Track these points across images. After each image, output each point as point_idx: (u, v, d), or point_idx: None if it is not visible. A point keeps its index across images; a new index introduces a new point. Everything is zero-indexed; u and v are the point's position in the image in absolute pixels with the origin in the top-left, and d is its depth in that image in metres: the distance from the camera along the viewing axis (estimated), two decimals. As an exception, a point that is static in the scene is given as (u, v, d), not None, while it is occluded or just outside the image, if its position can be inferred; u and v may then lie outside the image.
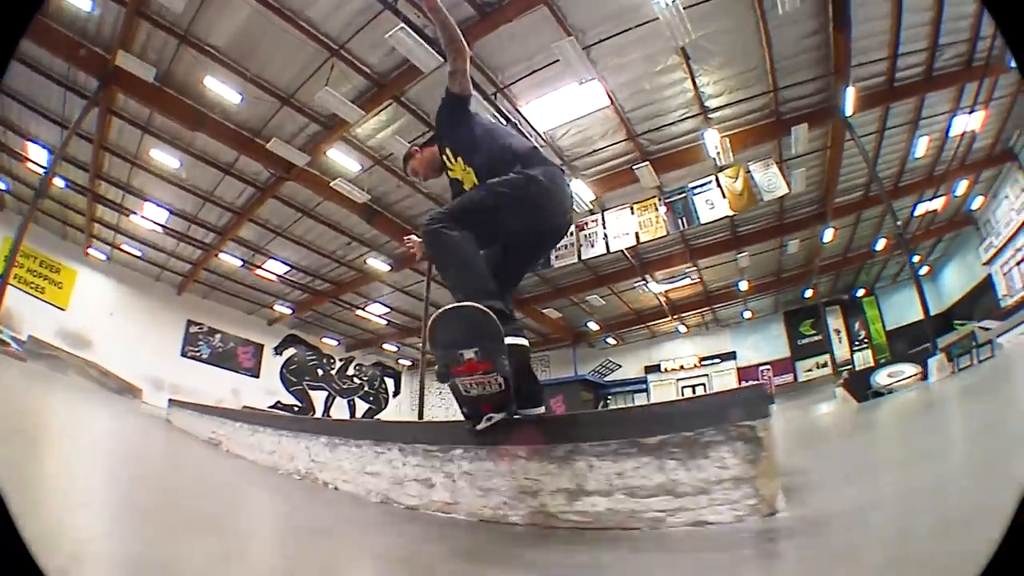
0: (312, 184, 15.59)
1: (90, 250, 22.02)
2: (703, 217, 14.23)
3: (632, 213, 15.16)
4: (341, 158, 14.65)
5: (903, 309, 23.48)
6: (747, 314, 27.86)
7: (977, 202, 19.68)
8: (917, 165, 16.62)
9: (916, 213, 18.82)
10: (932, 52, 12.01)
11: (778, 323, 27.99)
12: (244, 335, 27.43)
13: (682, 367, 29.04)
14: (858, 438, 5.52)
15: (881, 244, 21.31)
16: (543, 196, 2.66)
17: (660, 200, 14.79)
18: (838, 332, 26.11)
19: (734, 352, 28.45)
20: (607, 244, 15.40)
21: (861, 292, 26.22)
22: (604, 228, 15.60)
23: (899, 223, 14.60)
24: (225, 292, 25.21)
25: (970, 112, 13.95)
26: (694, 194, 14.24)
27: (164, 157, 15.41)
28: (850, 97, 11.92)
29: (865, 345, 25.25)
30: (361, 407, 31.06)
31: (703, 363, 28.66)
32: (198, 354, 25.67)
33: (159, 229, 19.44)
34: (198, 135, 13.97)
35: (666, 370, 29.23)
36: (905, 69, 12.45)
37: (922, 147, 15.68)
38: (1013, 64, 8.71)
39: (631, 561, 1.81)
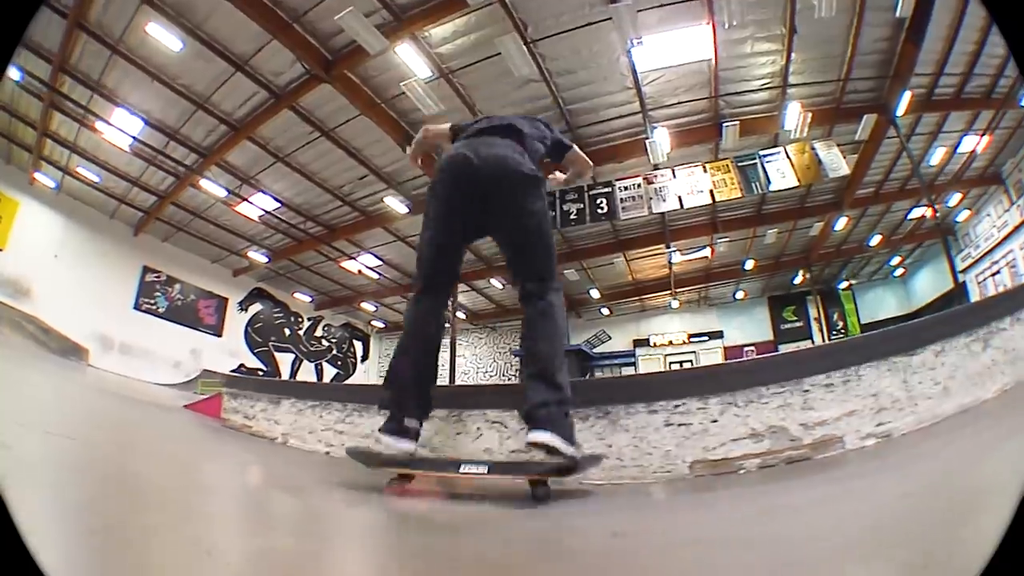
0: (351, 91, 12.94)
1: (37, 175, 18.69)
2: (775, 184, 14.30)
3: (705, 172, 14.77)
4: (412, 58, 11.94)
5: (876, 306, 26.79)
6: (740, 294, 28.23)
7: (963, 215, 21.61)
8: (925, 172, 17.51)
9: (910, 216, 21.28)
10: (966, 77, 13.81)
11: (763, 307, 28.79)
12: (207, 287, 24.25)
13: (671, 343, 29.14)
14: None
15: (876, 240, 22.80)
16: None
17: (733, 163, 14.68)
18: (817, 320, 26.92)
19: (722, 331, 28.76)
20: (680, 200, 14.81)
21: (844, 284, 27.47)
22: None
23: (938, 221, 17.91)
24: (190, 234, 21.81)
25: (981, 134, 16.33)
26: (766, 161, 14.32)
27: (163, 35, 12.17)
28: (906, 100, 13.22)
29: (842, 335, 25.72)
30: (328, 372, 28.69)
31: (692, 340, 28.96)
32: (153, 307, 22.41)
33: (126, 147, 16.06)
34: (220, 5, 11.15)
35: (655, 345, 29.25)
36: (943, 87, 14.10)
37: (937, 156, 17.40)
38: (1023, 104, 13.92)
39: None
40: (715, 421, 2.57)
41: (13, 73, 13.81)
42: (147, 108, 14.80)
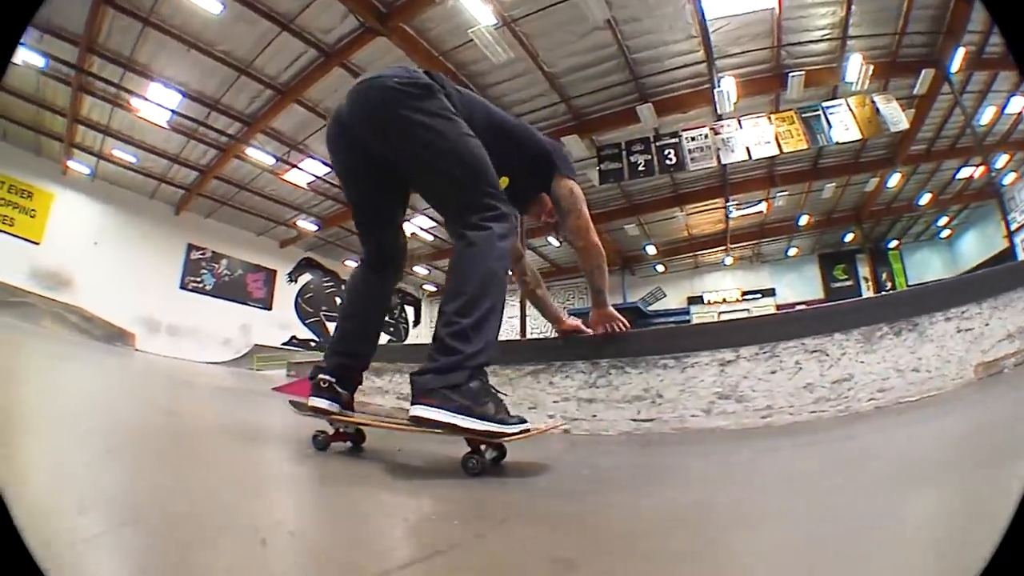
0: (408, 44, 12.17)
1: (71, 163, 18.36)
2: (838, 136, 14.06)
3: (770, 123, 14.39)
4: (475, 6, 11.09)
5: (922, 267, 25.94)
6: (792, 251, 27.70)
7: (1009, 178, 20.81)
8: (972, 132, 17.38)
9: (959, 176, 21.08)
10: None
11: (813, 265, 28.11)
12: (254, 260, 23.95)
13: (724, 300, 28.60)
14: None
15: (926, 198, 22.44)
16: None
17: (797, 114, 14.35)
18: (866, 280, 26.54)
19: (774, 289, 28.13)
20: (748, 151, 14.27)
21: (893, 244, 27.01)
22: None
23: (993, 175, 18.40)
24: (235, 208, 21.32)
25: (1030, 96, 15.98)
26: (829, 113, 14.07)
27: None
28: (960, 56, 13.05)
29: (890, 295, 25.13)
30: (381, 339, 27.94)
31: (745, 297, 28.35)
32: (200, 285, 22.19)
33: (164, 123, 15.44)
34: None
35: (709, 302, 28.66)
36: (992, 45, 13.42)
37: (987, 116, 17.05)
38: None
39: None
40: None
41: (36, 60, 13.30)
42: (184, 80, 14.19)
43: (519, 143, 2.38)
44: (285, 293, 24.89)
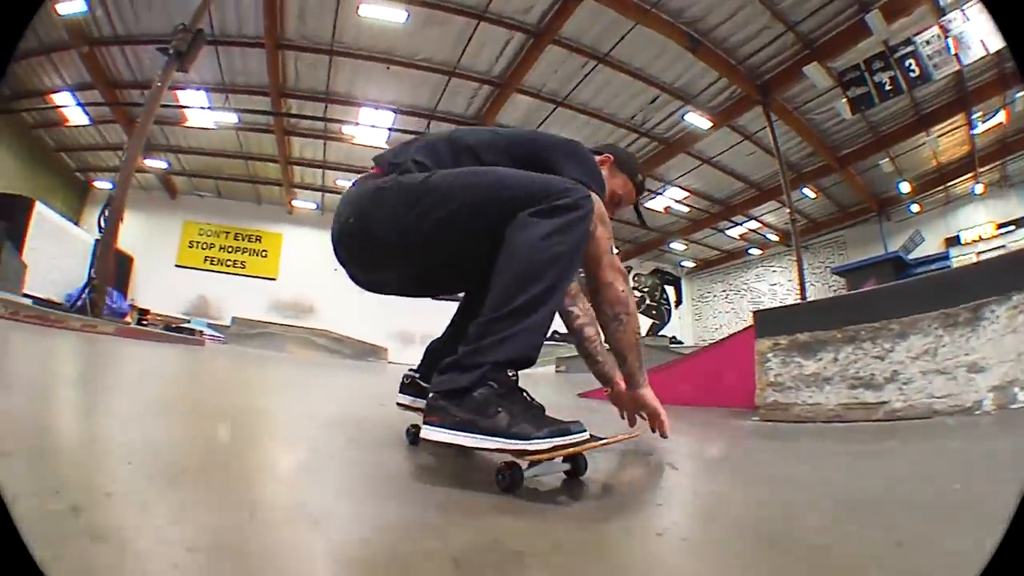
0: (617, 1, 11.48)
1: (296, 202, 19.80)
2: None
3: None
4: None
5: None
6: None
7: None
8: None
9: None
10: None
11: None
12: None
13: (980, 238, 24.03)
14: None
15: None
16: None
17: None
18: None
19: None
20: (984, 44, 11.96)
21: None
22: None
23: None
24: None
25: None
26: None
27: (380, 12, 11.65)
28: None
29: None
30: (644, 324, 27.11)
31: (1000, 231, 23.66)
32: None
33: (384, 143, 15.71)
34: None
35: (966, 242, 24.33)
36: None
37: None
38: None
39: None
40: None
41: (229, 118, 14.17)
42: (393, 97, 14.65)
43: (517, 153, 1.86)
44: None
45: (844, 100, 13.59)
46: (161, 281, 20.66)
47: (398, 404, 2.16)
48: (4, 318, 5.86)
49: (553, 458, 1.39)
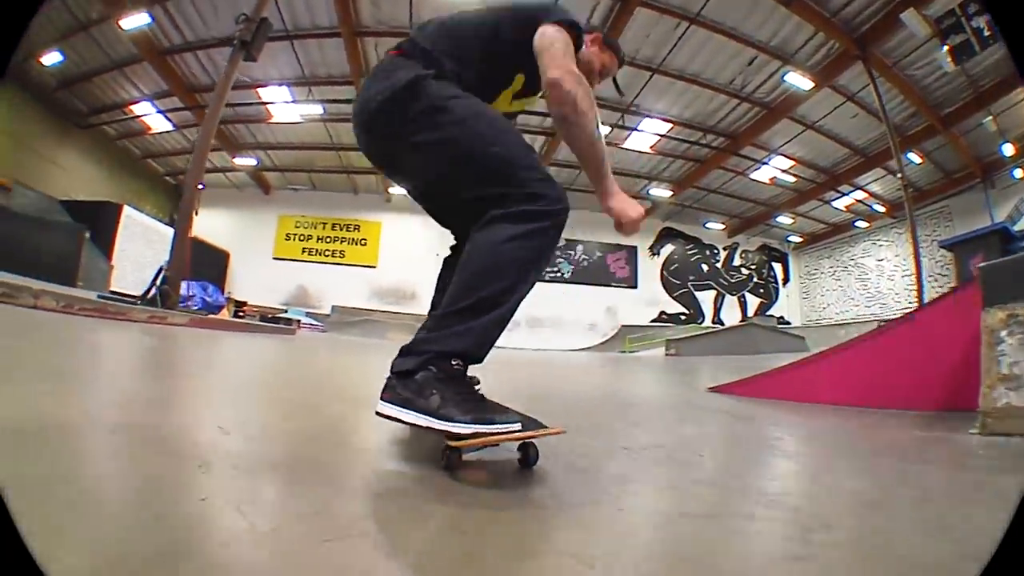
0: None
1: (392, 190, 20.33)
2: None
3: None
4: None
5: None
6: None
7: None
8: None
9: None
10: None
11: None
12: (611, 240, 23.83)
13: None
14: None
15: None
16: None
17: None
18: None
19: None
20: None
21: None
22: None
23: None
24: (578, 190, 20.33)
25: None
26: None
27: None
28: None
29: None
30: (751, 303, 26.48)
31: None
32: (558, 275, 22.96)
33: None
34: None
35: None
36: None
37: None
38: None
39: None
40: None
41: (314, 109, 15.26)
42: None
43: (504, 26, 1.83)
44: (649, 268, 24.51)
45: (945, 50, 12.51)
46: (259, 274, 21.52)
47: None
48: (57, 311, 5.79)
49: (478, 446, 1.47)
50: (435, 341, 1.52)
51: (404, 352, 1.53)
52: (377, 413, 1.49)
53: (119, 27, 13.00)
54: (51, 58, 14.30)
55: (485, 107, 1.68)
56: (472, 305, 1.51)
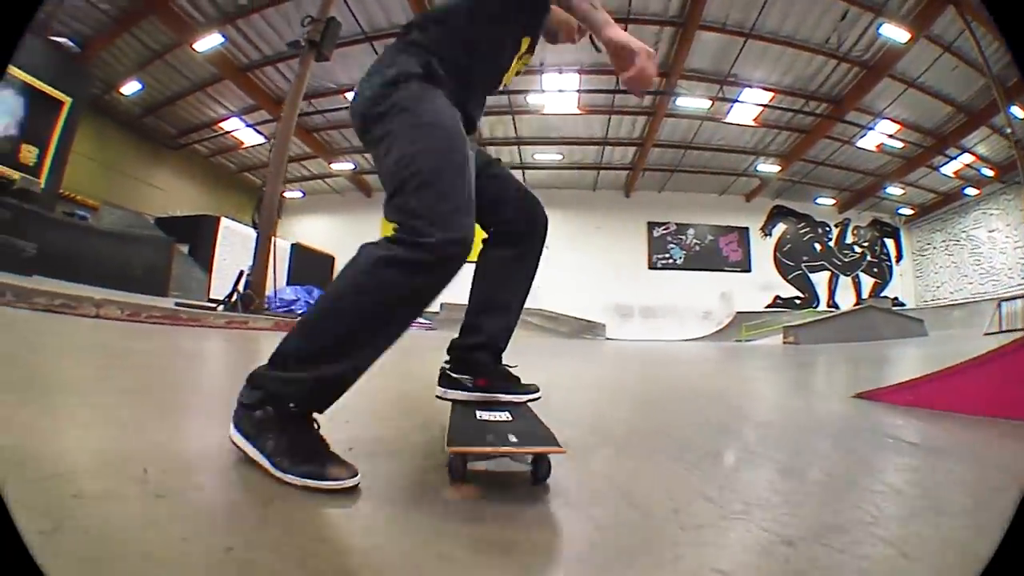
0: None
1: None
2: None
3: None
4: None
5: None
6: None
7: None
8: None
9: None
10: None
11: None
12: (723, 222, 23.20)
13: None
14: None
15: None
16: None
17: None
18: None
19: None
20: None
21: None
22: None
23: None
24: (685, 171, 20.49)
25: None
26: None
27: None
28: None
29: None
30: (865, 284, 24.82)
31: None
32: (669, 261, 22.48)
33: (576, 109, 16.01)
34: None
35: None
36: None
37: None
38: None
39: None
40: None
41: None
42: (573, 58, 14.33)
43: None
44: (762, 249, 23.45)
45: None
46: (365, 276, 22.07)
47: (436, 396, 1.94)
48: (122, 320, 5.84)
49: (481, 455, 1.44)
50: (271, 382, 1.41)
51: (249, 380, 1.44)
52: (230, 437, 1.44)
53: (193, 50, 13.64)
54: (131, 87, 15.20)
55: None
56: (324, 349, 1.40)
